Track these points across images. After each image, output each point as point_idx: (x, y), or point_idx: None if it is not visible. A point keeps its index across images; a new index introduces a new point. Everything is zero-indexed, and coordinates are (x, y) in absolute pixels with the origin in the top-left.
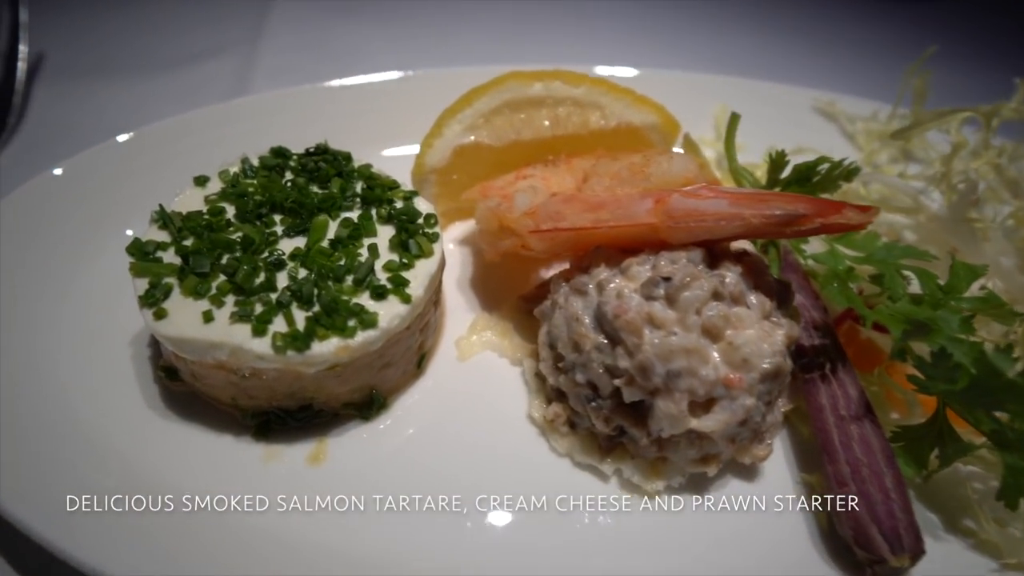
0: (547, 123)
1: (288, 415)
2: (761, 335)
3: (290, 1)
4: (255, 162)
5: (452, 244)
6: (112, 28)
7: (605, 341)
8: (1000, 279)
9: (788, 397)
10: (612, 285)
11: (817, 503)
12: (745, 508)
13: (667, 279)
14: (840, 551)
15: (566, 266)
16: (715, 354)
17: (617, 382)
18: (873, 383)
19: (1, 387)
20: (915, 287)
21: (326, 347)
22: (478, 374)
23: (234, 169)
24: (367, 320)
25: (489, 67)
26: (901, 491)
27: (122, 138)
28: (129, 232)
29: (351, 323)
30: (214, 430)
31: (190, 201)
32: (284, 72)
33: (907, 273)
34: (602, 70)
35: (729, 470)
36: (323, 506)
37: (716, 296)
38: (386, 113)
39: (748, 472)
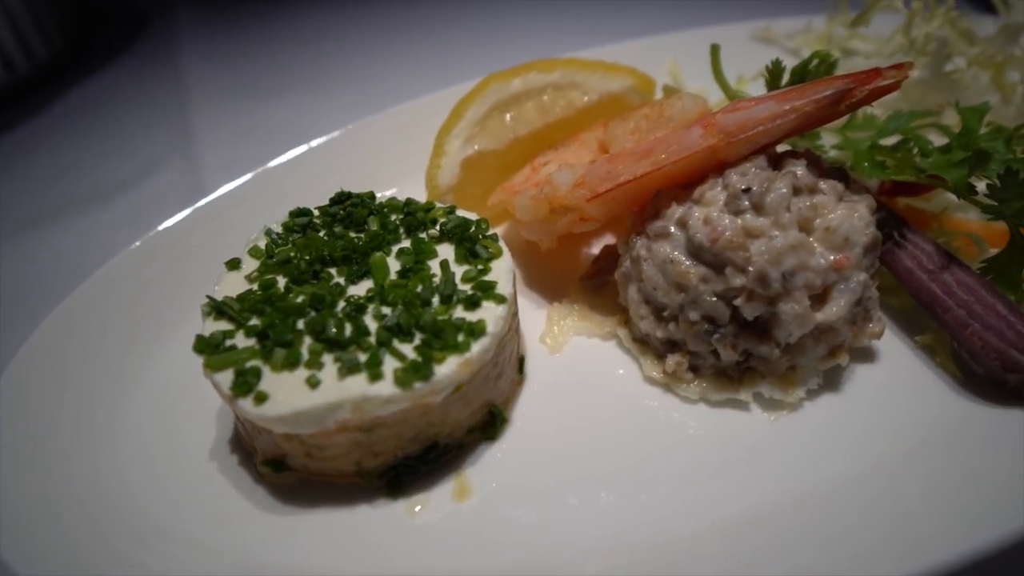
0: (536, 113)
1: (416, 461)
2: (848, 212)
3: (200, 98)
4: (279, 230)
5: None
6: (44, 171)
7: (708, 270)
8: (991, 116)
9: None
10: (695, 215)
11: (940, 359)
12: (883, 388)
13: (747, 190)
14: (984, 390)
15: (610, 240)
16: (816, 244)
17: (737, 302)
18: (937, 238)
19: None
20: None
21: (448, 367)
22: (577, 361)
23: (263, 243)
24: (476, 329)
25: (454, 88)
26: (1016, 312)
27: (99, 272)
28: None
29: (461, 337)
30: (345, 506)
31: (232, 286)
32: (233, 164)
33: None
34: None
35: (852, 360)
36: (491, 537)
37: (795, 191)
38: (372, 156)
39: (868, 356)
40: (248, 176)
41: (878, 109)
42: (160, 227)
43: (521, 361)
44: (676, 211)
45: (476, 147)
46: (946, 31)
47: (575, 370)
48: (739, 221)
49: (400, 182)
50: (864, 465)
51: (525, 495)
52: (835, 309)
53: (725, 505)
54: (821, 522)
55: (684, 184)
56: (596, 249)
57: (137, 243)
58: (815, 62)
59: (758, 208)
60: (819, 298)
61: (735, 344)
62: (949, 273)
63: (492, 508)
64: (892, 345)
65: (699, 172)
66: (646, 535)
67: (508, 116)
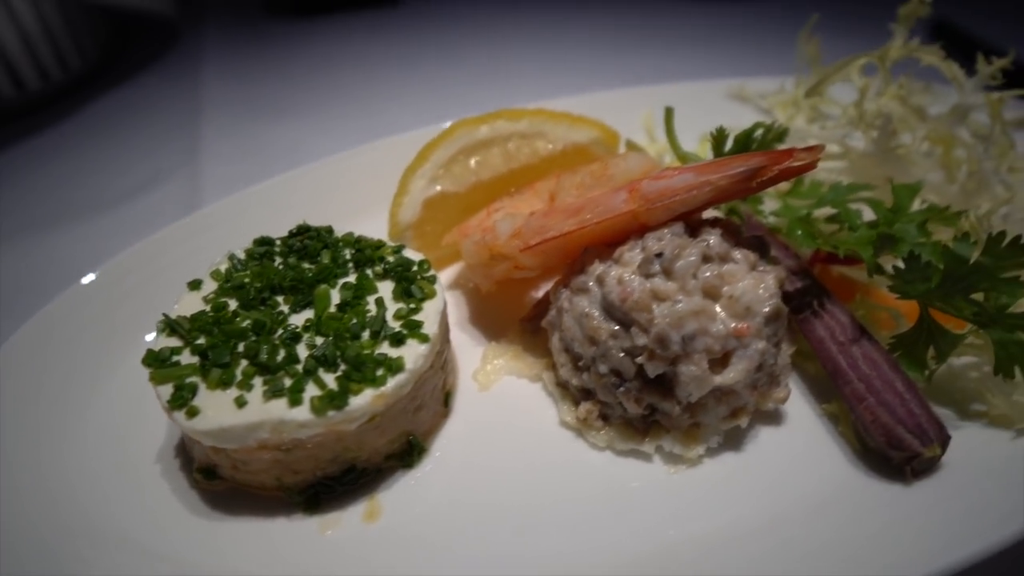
0: (500, 160)
1: (334, 482)
2: (755, 283)
3: (213, 115)
4: (242, 256)
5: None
6: (56, 176)
7: (618, 327)
8: (935, 194)
9: (789, 341)
10: (611, 275)
11: (842, 428)
12: (781, 451)
13: (659, 255)
14: (876, 464)
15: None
16: (719, 310)
17: (640, 360)
18: (857, 309)
19: (39, 521)
20: (865, 219)
21: (362, 399)
22: (502, 399)
23: (224, 266)
24: (394, 365)
25: (432, 127)
26: (913, 391)
27: (86, 279)
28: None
29: (380, 372)
30: (265, 517)
31: (189, 305)
32: (231, 181)
33: (855, 207)
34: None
35: (758, 421)
36: (393, 557)
37: (706, 259)
38: (346, 188)
39: (774, 418)
40: (223, 201)
41: (831, 177)
42: (137, 244)
43: (448, 395)
44: (597, 268)
45: (439, 188)
46: (893, 107)
47: (499, 408)
48: (648, 284)
49: (371, 215)
50: (750, 524)
51: (430, 522)
52: (733, 374)
53: (616, 547)
54: (704, 570)
55: (609, 243)
56: (542, 292)
57: (111, 261)
58: (760, 131)
59: (668, 273)
60: (720, 362)
61: (639, 399)
62: (858, 346)
63: (396, 531)
64: (800, 410)
65: (622, 233)
66: (538, 570)
67: (473, 160)
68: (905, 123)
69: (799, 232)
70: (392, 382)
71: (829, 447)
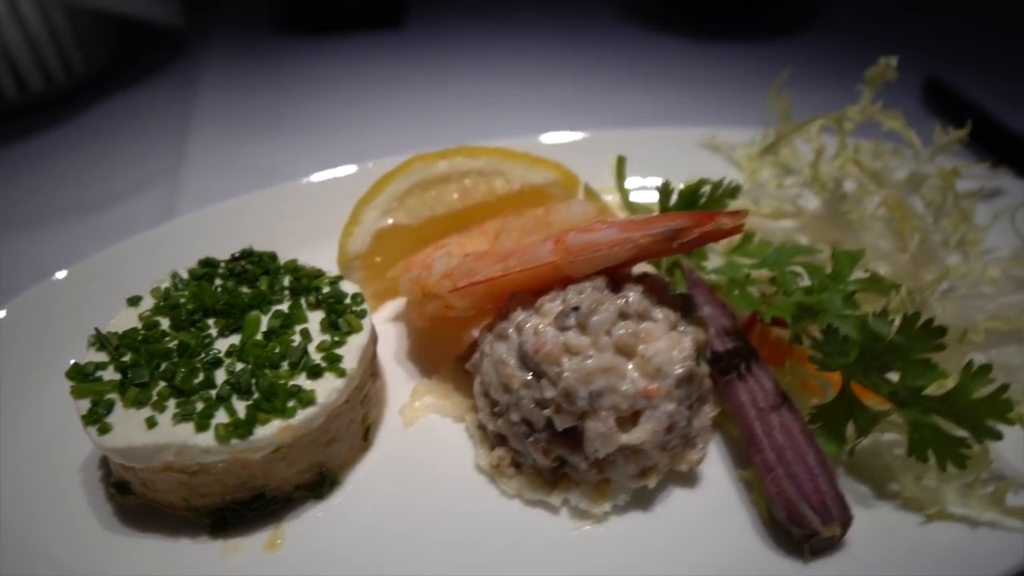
0: (456, 195)
1: (242, 507)
2: (670, 344)
3: (205, 127)
4: (185, 276)
5: (385, 322)
6: (43, 177)
7: (530, 377)
8: (885, 262)
9: (714, 402)
10: (529, 324)
11: (754, 496)
12: (690, 514)
13: (576, 308)
14: (780, 538)
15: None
16: (631, 369)
17: (547, 412)
18: (787, 374)
19: None
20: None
21: (268, 430)
22: (424, 437)
23: (165, 285)
24: (305, 398)
25: (399, 156)
26: (824, 467)
27: (60, 275)
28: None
29: (290, 404)
30: (171, 536)
31: (125, 321)
32: (209, 195)
33: (800, 270)
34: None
35: (671, 481)
36: None
37: (623, 316)
38: (310, 213)
39: (688, 479)
40: (184, 218)
41: (788, 236)
42: (90, 258)
43: (368, 429)
44: (519, 316)
45: (391, 220)
46: (849, 170)
47: (419, 446)
48: (562, 337)
49: (330, 241)
50: None
51: (327, 557)
52: (640, 434)
53: None
54: None
55: (535, 291)
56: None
57: (67, 270)
58: (706, 187)
59: (582, 327)
60: (629, 420)
61: (547, 450)
62: (777, 414)
63: (292, 564)
64: (716, 474)
65: (546, 283)
66: None
67: (428, 195)
68: (865, 187)
69: (735, 292)
70: (302, 415)
71: (738, 515)
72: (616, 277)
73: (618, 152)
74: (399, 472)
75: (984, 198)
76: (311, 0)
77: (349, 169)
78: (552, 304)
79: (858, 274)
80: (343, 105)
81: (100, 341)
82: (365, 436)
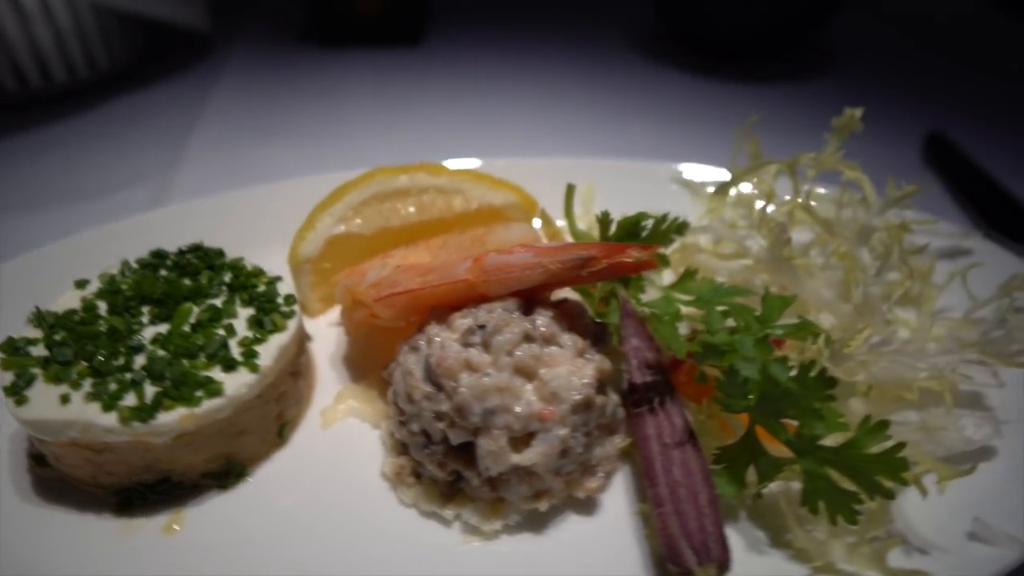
0: (413, 209)
1: (148, 489)
2: (572, 370)
3: (207, 131)
4: (135, 264)
5: (329, 326)
6: (48, 164)
7: (431, 389)
8: (829, 312)
9: (625, 433)
10: (438, 338)
11: (648, 530)
12: (579, 541)
13: (482, 327)
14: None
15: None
16: (529, 391)
17: (442, 426)
18: (702, 413)
19: None
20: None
21: (171, 416)
22: (340, 440)
23: (114, 271)
24: (213, 389)
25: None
26: (714, 507)
27: (23, 256)
28: None
29: (198, 393)
30: (77, 510)
31: (68, 302)
32: (198, 194)
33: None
34: (483, 163)
35: (569, 507)
36: (175, 573)
37: (528, 338)
38: (285, 214)
39: (585, 507)
40: (159, 211)
41: (737, 277)
42: (61, 241)
43: (284, 426)
44: (432, 329)
45: (344, 228)
46: (796, 217)
47: (333, 447)
48: (464, 353)
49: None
50: None
51: (220, 545)
52: (532, 456)
53: None
54: None
55: (453, 307)
56: None
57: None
58: (648, 221)
59: (486, 345)
60: (523, 441)
61: (443, 463)
62: (680, 451)
63: (184, 548)
64: (617, 505)
65: (462, 300)
66: None
67: (385, 207)
68: (821, 237)
69: (657, 326)
70: (207, 405)
71: (628, 547)
72: (533, 300)
73: (588, 179)
74: (307, 471)
75: (949, 257)
76: (335, 15)
77: (338, 175)
78: (463, 320)
79: (792, 320)
80: (349, 116)
81: (37, 319)
82: (280, 433)
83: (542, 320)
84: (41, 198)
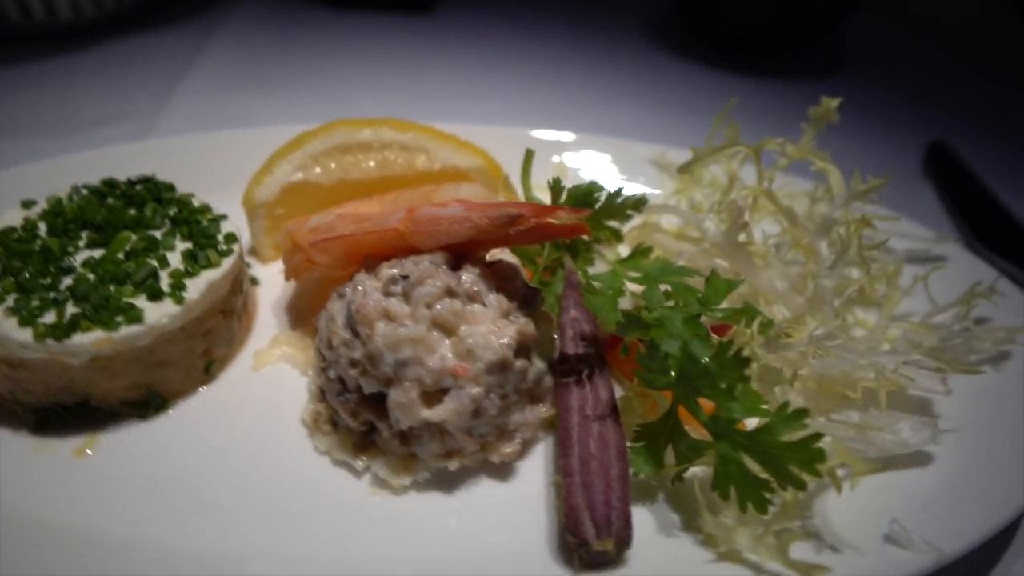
0: (373, 164)
1: (66, 411)
2: (492, 330)
3: (202, 76)
4: (84, 191)
5: (279, 273)
6: (41, 97)
7: (349, 336)
8: (782, 304)
9: (552, 403)
10: (361, 286)
11: (558, 501)
12: (486, 505)
13: (406, 277)
14: (566, 547)
15: None
16: (446, 347)
17: (354, 373)
18: (634, 391)
19: None
20: None
21: (87, 338)
22: (267, 383)
23: (62, 195)
24: (132, 316)
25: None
26: (624, 484)
27: None
28: None
29: (118, 318)
30: None
31: (11, 219)
32: (172, 135)
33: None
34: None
35: (484, 471)
36: (79, 495)
37: (450, 293)
38: (252, 162)
39: (501, 473)
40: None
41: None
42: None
43: (211, 363)
44: (359, 277)
45: (301, 176)
46: (758, 205)
47: (260, 389)
48: (384, 302)
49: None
50: (420, 567)
51: (127, 474)
52: (442, 412)
53: (278, 548)
54: None
55: (386, 256)
56: None
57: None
58: (601, 193)
59: (406, 296)
60: (436, 397)
61: (355, 412)
62: (600, 424)
63: (91, 471)
64: (533, 474)
65: (393, 250)
66: (193, 550)
67: (345, 159)
68: (781, 222)
69: (592, 298)
70: (124, 331)
71: (535, 517)
72: (465, 257)
73: (566, 154)
74: (228, 410)
75: (921, 262)
76: None
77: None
78: (390, 271)
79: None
80: (346, 75)
81: None
82: (207, 370)
83: (468, 277)
84: (31, 127)
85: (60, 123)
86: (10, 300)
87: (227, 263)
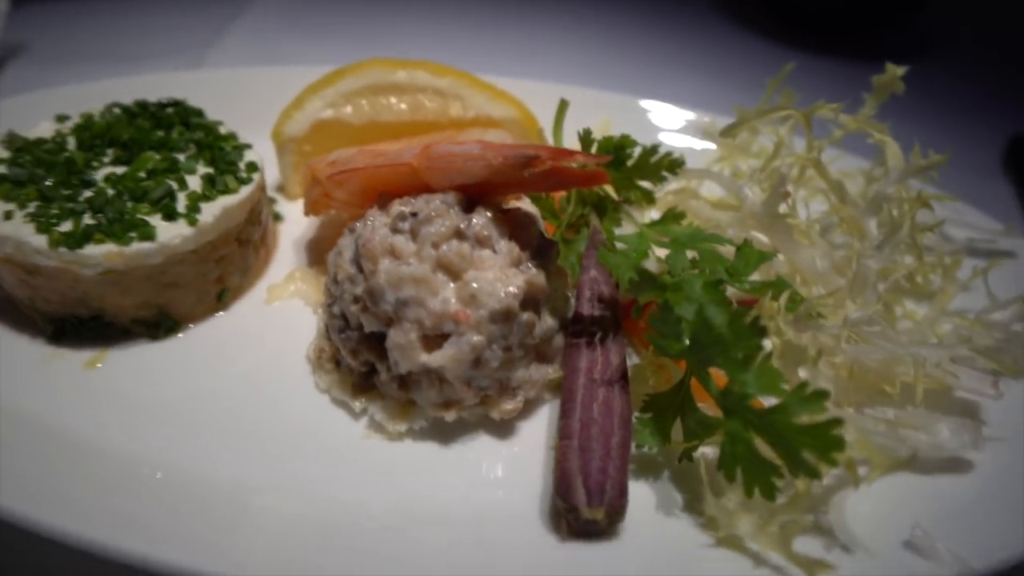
0: (405, 107)
1: (81, 323)
2: (499, 277)
3: (254, 16)
4: (118, 110)
5: None
6: (92, 23)
7: (354, 271)
8: (821, 284)
9: (561, 364)
10: (370, 221)
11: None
12: (481, 461)
13: (414, 215)
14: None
15: None
16: (451, 291)
17: (355, 309)
18: (647, 360)
19: None
20: None
21: (99, 250)
22: (278, 316)
23: (94, 111)
24: (145, 232)
25: None
26: (624, 453)
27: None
28: None
29: (131, 234)
30: (13, 329)
31: (44, 131)
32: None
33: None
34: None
35: (483, 426)
36: (85, 405)
37: (459, 235)
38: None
39: (500, 430)
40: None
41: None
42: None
43: (224, 292)
44: (370, 213)
45: (332, 113)
46: (804, 178)
47: (270, 323)
48: (390, 239)
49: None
50: (406, 514)
51: (132, 393)
52: (440, 358)
53: (271, 480)
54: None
55: (401, 193)
56: None
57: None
58: (636, 149)
59: (414, 233)
60: (436, 342)
61: (356, 350)
62: (606, 389)
63: (98, 384)
64: (534, 435)
65: (409, 187)
66: (186, 476)
67: (379, 100)
68: (829, 198)
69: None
70: (136, 247)
71: (529, 477)
72: (480, 200)
73: (607, 115)
74: (236, 340)
75: (985, 256)
76: None
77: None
78: (399, 207)
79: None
80: (399, 21)
81: (9, 140)
82: (220, 297)
83: (479, 220)
84: (80, 56)
85: (107, 54)
86: (31, 207)
87: (245, 191)
